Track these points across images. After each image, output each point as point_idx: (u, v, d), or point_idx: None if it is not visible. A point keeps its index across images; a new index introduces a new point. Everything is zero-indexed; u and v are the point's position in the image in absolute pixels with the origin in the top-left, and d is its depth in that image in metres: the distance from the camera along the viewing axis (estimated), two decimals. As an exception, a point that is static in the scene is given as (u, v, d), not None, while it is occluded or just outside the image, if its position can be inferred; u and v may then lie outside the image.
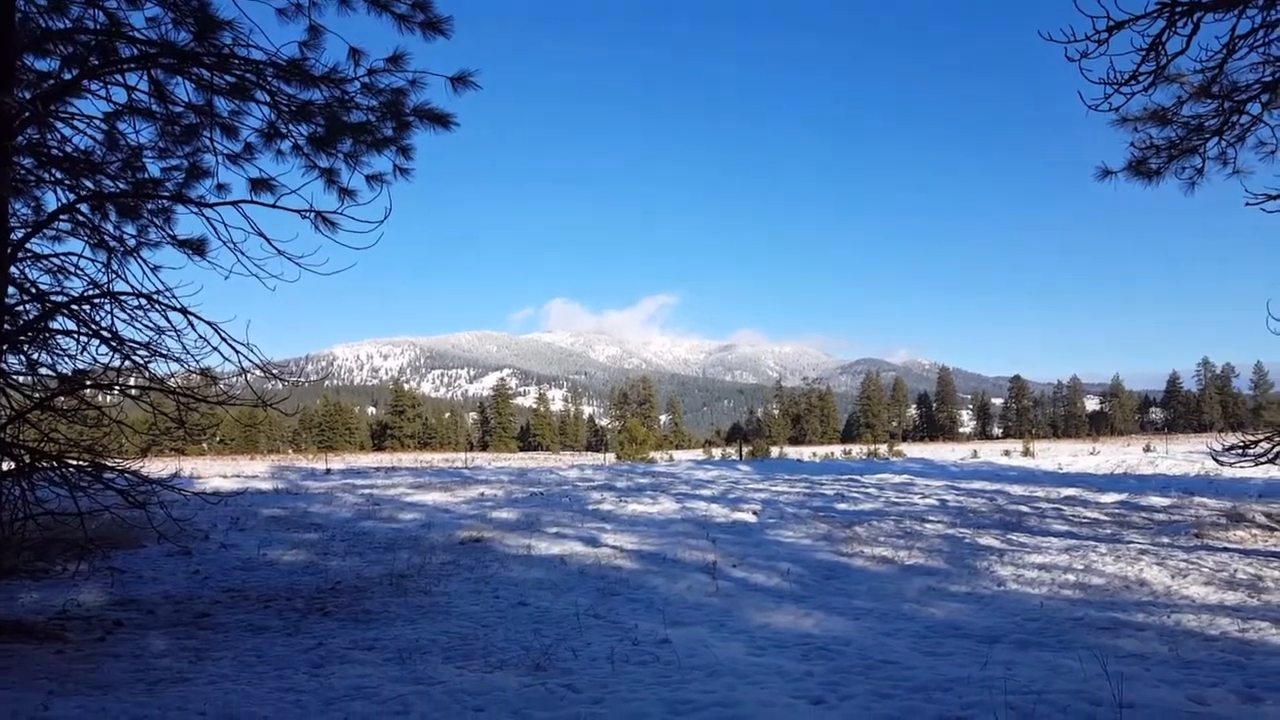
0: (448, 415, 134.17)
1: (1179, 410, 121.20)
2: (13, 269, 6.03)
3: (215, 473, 21.06)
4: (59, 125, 6.70)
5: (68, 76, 6.46)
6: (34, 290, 6.51)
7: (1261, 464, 9.86)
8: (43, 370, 6.72)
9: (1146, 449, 34.50)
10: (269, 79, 6.50)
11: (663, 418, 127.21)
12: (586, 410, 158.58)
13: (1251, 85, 7.90)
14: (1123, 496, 14.16)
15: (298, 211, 6.67)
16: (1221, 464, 10.30)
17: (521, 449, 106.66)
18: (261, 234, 6.51)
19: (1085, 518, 11.78)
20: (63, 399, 6.79)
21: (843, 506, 13.25)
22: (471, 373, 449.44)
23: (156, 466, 6.77)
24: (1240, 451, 10.06)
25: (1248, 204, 8.38)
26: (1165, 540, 9.67)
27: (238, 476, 19.73)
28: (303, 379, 7.61)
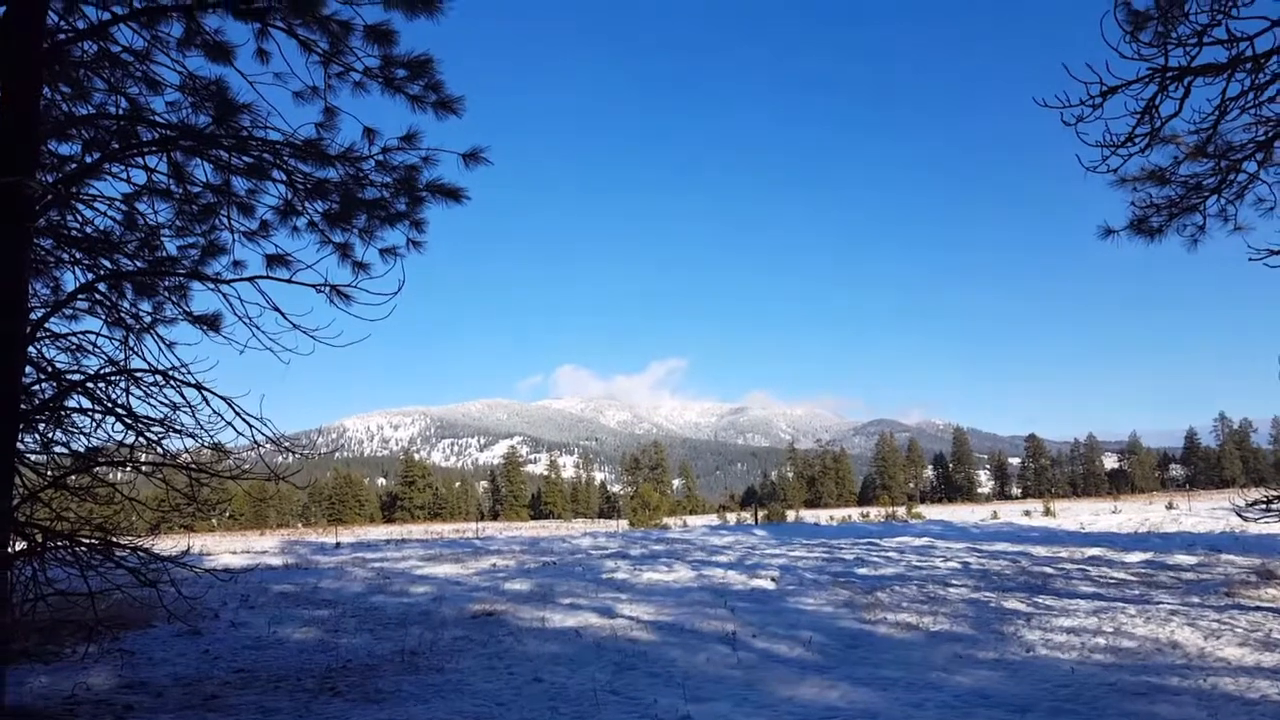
0: (458, 485, 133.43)
1: (1199, 466, 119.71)
2: (30, 349, 6.09)
3: (225, 549, 20.89)
4: (79, 206, 6.85)
5: (89, 160, 6.64)
6: (50, 369, 6.56)
7: (1288, 519, 9.65)
8: (57, 449, 6.73)
9: (1169, 506, 33.96)
10: (286, 158, 6.66)
11: (675, 482, 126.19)
12: (598, 476, 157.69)
13: (1246, 145, 8.03)
14: (1148, 555, 13.87)
15: (312, 286, 6.75)
16: (1246, 520, 10.09)
17: (533, 517, 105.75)
18: (277, 308, 6.58)
19: (1112, 578, 11.52)
20: (75, 477, 6.79)
21: (863, 571, 13.00)
22: (482, 441, 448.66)
23: (167, 544, 6.71)
24: (1264, 507, 9.87)
25: (1250, 259, 8.42)
26: (1195, 600, 9.43)
27: (248, 552, 19.56)
28: (313, 452, 7.61)
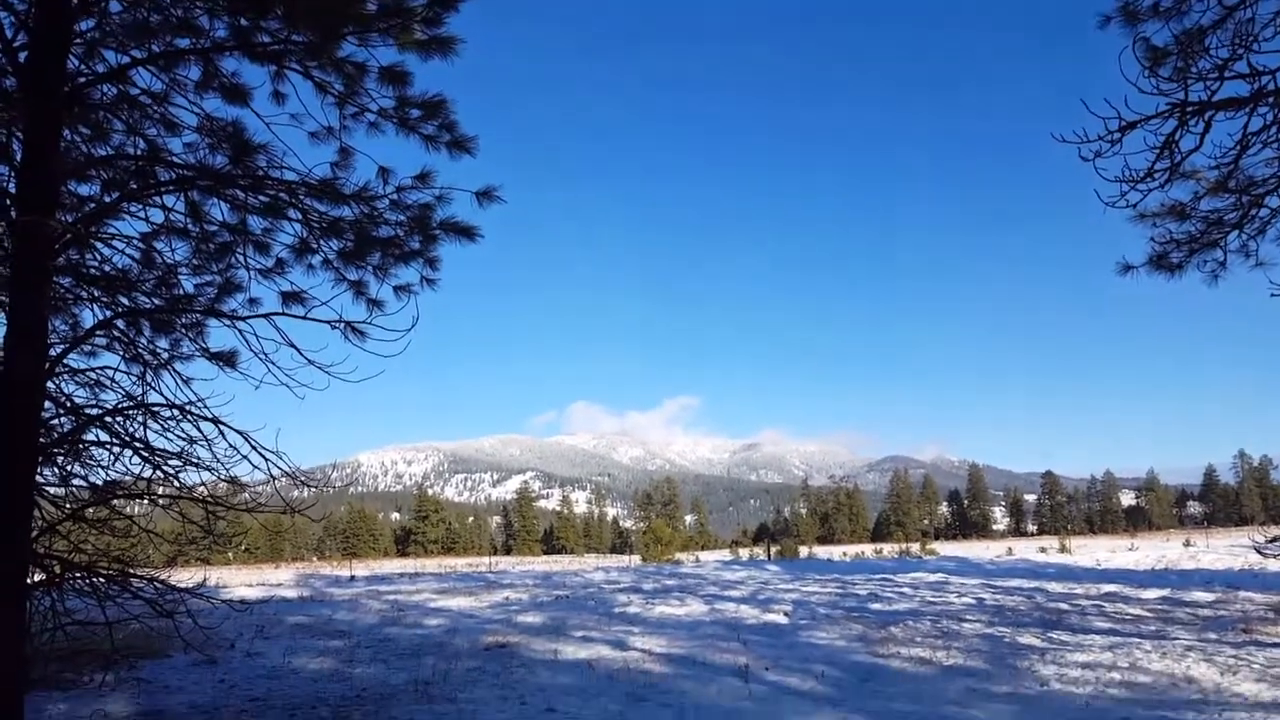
0: (471, 520, 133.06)
1: (1217, 504, 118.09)
2: (49, 384, 6.22)
3: (240, 581, 20.91)
4: (98, 245, 7.01)
5: (108, 199, 6.81)
6: (69, 404, 6.69)
7: (1307, 555, 9.59)
8: (75, 481, 6.84)
9: (1186, 543, 33.48)
10: (301, 197, 6.81)
11: (688, 518, 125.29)
12: (610, 512, 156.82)
13: (1268, 179, 7.98)
14: (1165, 592, 13.71)
15: (327, 322, 6.86)
16: (1265, 556, 10.02)
17: (545, 552, 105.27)
18: (292, 344, 6.69)
19: (1128, 614, 11.40)
20: (93, 509, 6.89)
21: (877, 606, 12.91)
22: (495, 477, 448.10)
23: (183, 576, 6.79)
24: (1284, 542, 9.81)
25: (1273, 295, 8.38)
26: (1212, 636, 9.32)
27: (263, 585, 19.57)
28: (328, 485, 7.70)
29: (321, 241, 7.07)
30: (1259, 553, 10.29)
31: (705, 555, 51.82)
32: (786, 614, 12.02)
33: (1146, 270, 8.87)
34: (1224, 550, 25.69)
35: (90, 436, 6.75)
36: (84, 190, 7.02)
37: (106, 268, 7.13)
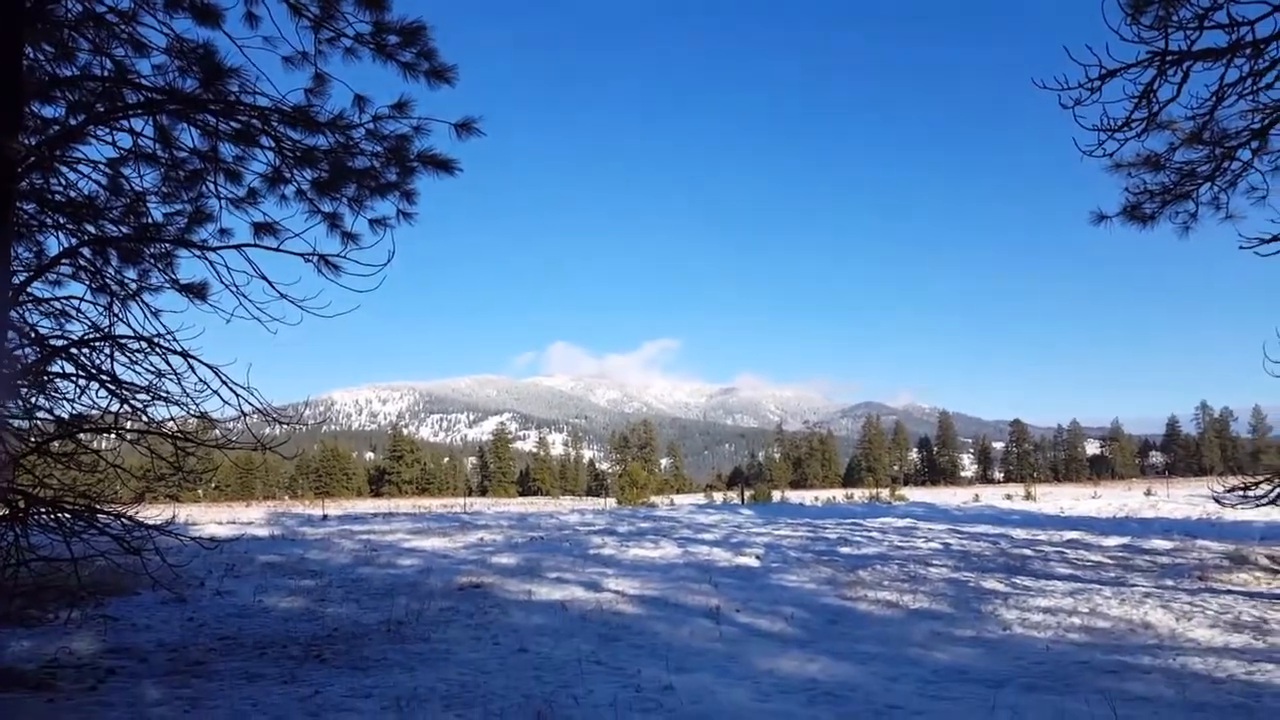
0: (446, 460, 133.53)
1: (1179, 454, 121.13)
2: (13, 313, 6.05)
3: (211, 519, 20.89)
4: (63, 170, 6.77)
5: (73, 122, 6.56)
6: (34, 334, 6.52)
7: (1262, 506, 9.81)
8: (40, 415, 6.70)
9: (1148, 493, 34.35)
10: (274, 125, 6.60)
11: (664, 462, 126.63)
12: (587, 455, 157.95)
13: (1241, 132, 8.02)
14: (1125, 540, 14.02)
15: (301, 255, 6.71)
16: (1223, 505, 10.26)
17: (521, 494, 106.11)
18: (264, 277, 6.55)
19: (1089, 561, 11.66)
20: (59, 443, 6.77)
21: (846, 550, 13.12)
22: (471, 417, 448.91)
23: (152, 513, 6.71)
24: (1241, 493, 10.03)
25: (1241, 248, 8.45)
26: (1169, 583, 9.56)
27: (234, 523, 19.56)
28: (301, 423, 7.62)
29: (295, 171, 6.88)
30: (1217, 502, 10.52)
31: (680, 499, 52.48)
32: (758, 557, 12.19)
33: (1120, 221, 8.92)
34: (1183, 500, 26.35)
35: (55, 368, 6.60)
36: (49, 112, 6.76)
37: (72, 193, 6.91)
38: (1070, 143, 7.77)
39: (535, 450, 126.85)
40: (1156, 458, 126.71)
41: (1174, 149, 8.34)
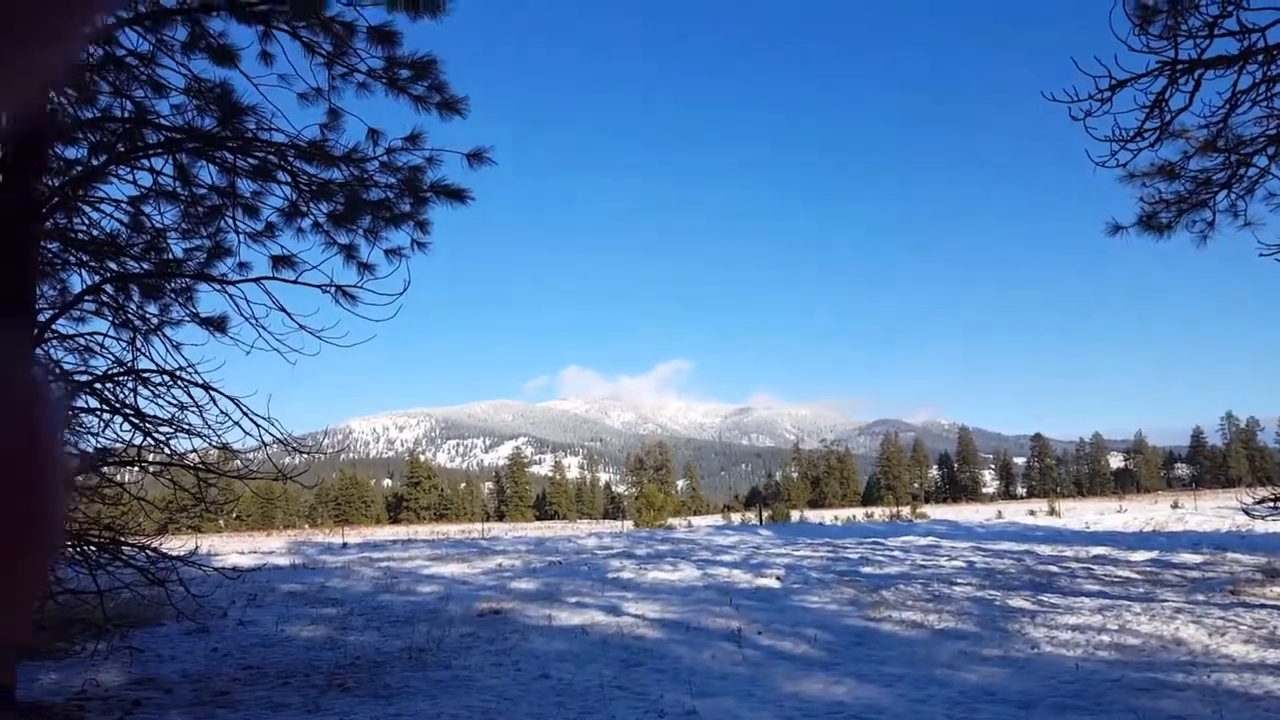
0: (463, 486, 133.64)
1: (1204, 465, 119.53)
2: (38, 350, 6.13)
3: (232, 549, 20.96)
4: (85, 209, 6.89)
5: (95, 163, 6.67)
6: (58, 370, 6.60)
7: (1294, 517, 9.67)
8: (65, 449, 6.77)
9: (1174, 505, 33.88)
10: (290, 160, 6.69)
11: (680, 483, 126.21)
12: (603, 477, 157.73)
13: (1257, 138, 7.96)
14: (1153, 554, 13.85)
15: (318, 286, 6.78)
16: (1253, 517, 10.12)
17: (538, 518, 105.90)
18: (283, 309, 6.61)
19: (1117, 577, 11.51)
20: (84, 477, 6.84)
21: (868, 570, 13.01)
22: (487, 442, 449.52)
23: (175, 544, 6.76)
24: (1272, 505, 9.89)
25: (1261, 255, 8.38)
26: (1200, 598, 9.42)
27: (255, 552, 19.62)
28: (320, 452, 7.67)
29: (311, 204, 6.96)
30: (1247, 514, 10.38)
31: (698, 520, 52.22)
32: (779, 578, 12.11)
33: (1136, 231, 8.85)
34: (1211, 512, 25.97)
35: (80, 403, 6.67)
36: (71, 153, 6.89)
37: (95, 232, 7.02)
38: (1083, 154, 7.76)
39: (551, 474, 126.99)
40: (1182, 470, 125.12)
41: (1188, 157, 8.29)
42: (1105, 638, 7.54)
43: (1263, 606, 8.74)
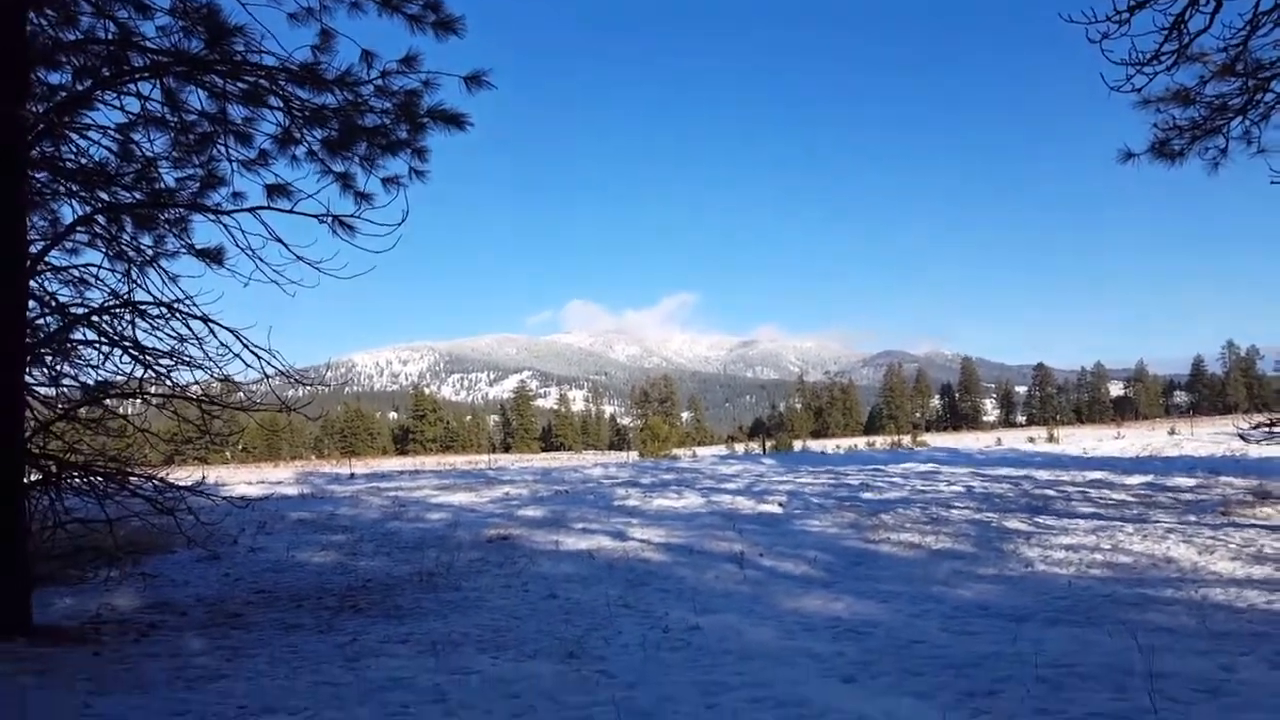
0: (469, 418, 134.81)
1: (1203, 393, 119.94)
2: (32, 282, 6.11)
3: (240, 480, 21.24)
4: (73, 137, 6.77)
5: (80, 88, 6.54)
6: (54, 303, 6.58)
7: (1289, 441, 9.74)
8: (66, 382, 6.80)
9: (1171, 432, 34.09)
10: (282, 84, 6.55)
11: (684, 415, 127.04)
12: (608, 410, 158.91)
13: (1276, 63, 7.76)
14: (1148, 478, 13.99)
15: (315, 216, 6.70)
16: (1247, 441, 10.20)
17: (544, 450, 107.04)
18: (279, 240, 6.56)
19: (1111, 500, 11.66)
20: (86, 410, 6.88)
21: (868, 496, 13.18)
22: (491, 376, 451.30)
23: (182, 475, 6.84)
24: (1267, 429, 9.95)
25: (1273, 182, 8.25)
26: (1192, 519, 9.56)
27: (262, 483, 19.89)
28: (323, 384, 7.70)
29: (305, 131, 6.84)
30: (1242, 438, 10.46)
31: (702, 450, 52.71)
32: (781, 504, 12.28)
33: (1148, 158, 8.72)
34: (1207, 438, 26.18)
35: (78, 336, 6.68)
36: (54, 79, 6.74)
37: (83, 160, 6.89)
38: (1098, 78, 7.58)
39: (556, 407, 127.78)
40: (1181, 397, 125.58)
41: (1204, 82, 8.09)
42: (1098, 556, 7.68)
43: (1252, 526, 8.88)
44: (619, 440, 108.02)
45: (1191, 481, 13.16)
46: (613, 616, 6.05)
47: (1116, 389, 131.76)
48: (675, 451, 41.39)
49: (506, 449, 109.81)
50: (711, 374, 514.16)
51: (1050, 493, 12.69)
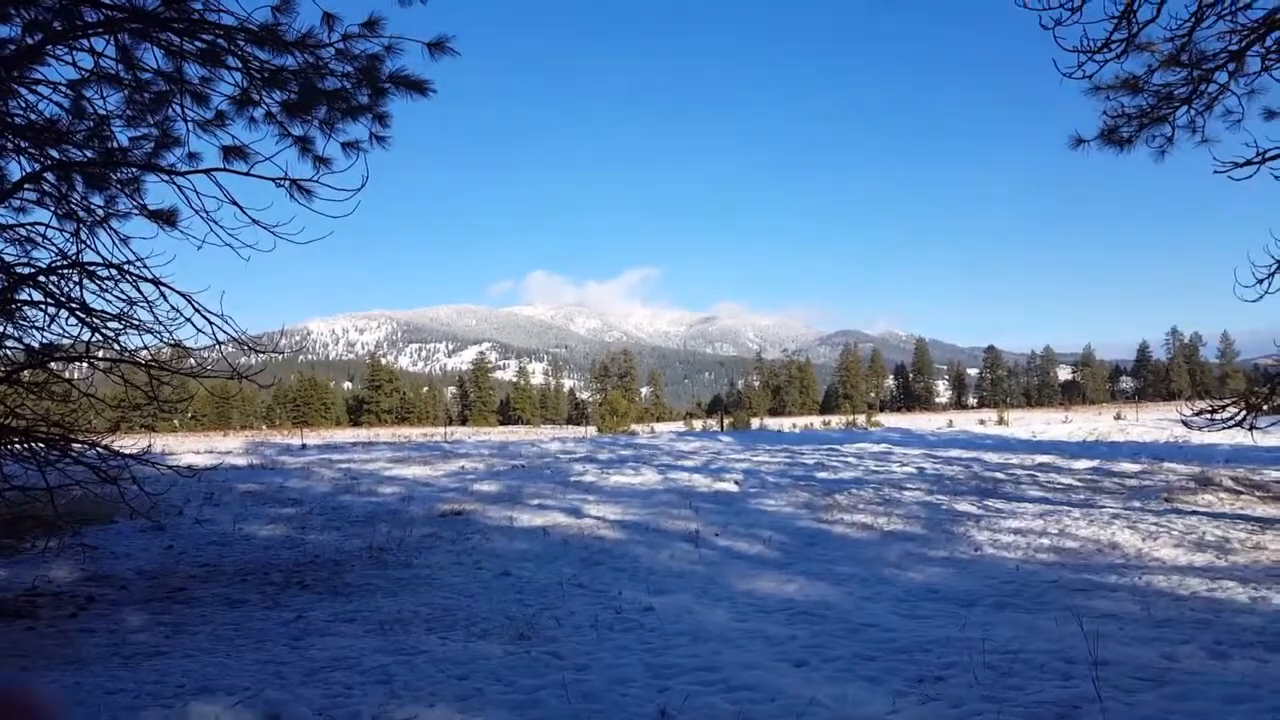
0: (426, 390, 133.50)
1: (1149, 379, 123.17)
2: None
3: (188, 449, 20.84)
4: (22, 92, 6.49)
5: (30, 41, 6.26)
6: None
7: (1229, 428, 10.03)
8: (9, 344, 6.57)
9: (1117, 417, 34.99)
10: (241, 44, 6.33)
11: (644, 390, 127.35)
12: (567, 384, 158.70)
13: (1219, 54, 7.97)
14: (1095, 463, 14.36)
15: (272, 180, 6.52)
16: (1190, 426, 10.47)
17: (502, 423, 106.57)
18: (235, 202, 6.37)
19: (1059, 484, 11.94)
20: (29, 373, 6.66)
21: (823, 475, 13.34)
22: (450, 347, 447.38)
23: (128, 442, 6.66)
24: (1209, 416, 10.23)
25: (1216, 171, 8.47)
26: (1136, 504, 9.83)
27: (211, 452, 19.53)
28: (277, 352, 7.54)
29: (263, 93, 6.62)
30: (1185, 425, 10.74)
31: (660, 426, 52.96)
32: (737, 483, 12.37)
33: (1097, 144, 8.92)
34: (1152, 424, 26.91)
35: (23, 296, 6.44)
36: (2, 31, 6.44)
37: (33, 116, 6.62)
38: (1050, 65, 7.70)
39: (515, 380, 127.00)
40: (1127, 383, 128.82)
41: (1152, 71, 8.29)
42: (1045, 541, 7.86)
43: (1194, 513, 9.15)
44: (578, 414, 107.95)
45: (1136, 467, 13.53)
46: (566, 596, 6.04)
47: (1065, 373, 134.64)
48: (634, 427, 41.50)
49: (464, 421, 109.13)
50: (671, 349, 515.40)
51: (1000, 475, 12.96)
